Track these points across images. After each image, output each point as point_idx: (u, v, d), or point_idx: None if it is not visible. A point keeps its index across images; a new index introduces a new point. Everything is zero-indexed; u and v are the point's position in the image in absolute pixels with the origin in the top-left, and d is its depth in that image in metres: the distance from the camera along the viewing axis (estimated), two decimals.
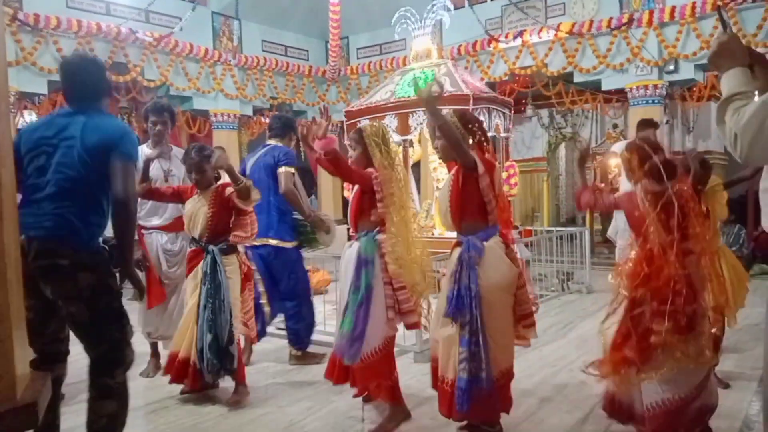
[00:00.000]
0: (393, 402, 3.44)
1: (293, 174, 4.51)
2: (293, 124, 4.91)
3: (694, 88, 10.05)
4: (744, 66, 1.88)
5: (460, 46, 10.56)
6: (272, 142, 4.76)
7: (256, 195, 3.80)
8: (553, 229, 8.60)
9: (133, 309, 3.75)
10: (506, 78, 10.40)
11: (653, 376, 2.76)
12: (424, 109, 3.01)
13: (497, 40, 10.19)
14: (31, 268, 2.54)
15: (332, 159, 3.20)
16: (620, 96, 10.49)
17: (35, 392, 2.59)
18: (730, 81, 1.86)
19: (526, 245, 6.88)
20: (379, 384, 3.36)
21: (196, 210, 3.83)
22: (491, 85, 9.69)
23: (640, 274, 2.79)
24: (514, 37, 10.05)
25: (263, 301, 4.62)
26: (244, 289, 3.97)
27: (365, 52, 12.32)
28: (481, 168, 3.02)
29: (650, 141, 3.03)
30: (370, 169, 3.32)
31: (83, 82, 2.78)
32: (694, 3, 8.53)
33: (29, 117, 9.40)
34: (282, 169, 4.49)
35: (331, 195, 12.50)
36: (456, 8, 8.56)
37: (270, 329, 4.99)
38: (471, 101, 6.82)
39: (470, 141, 3.12)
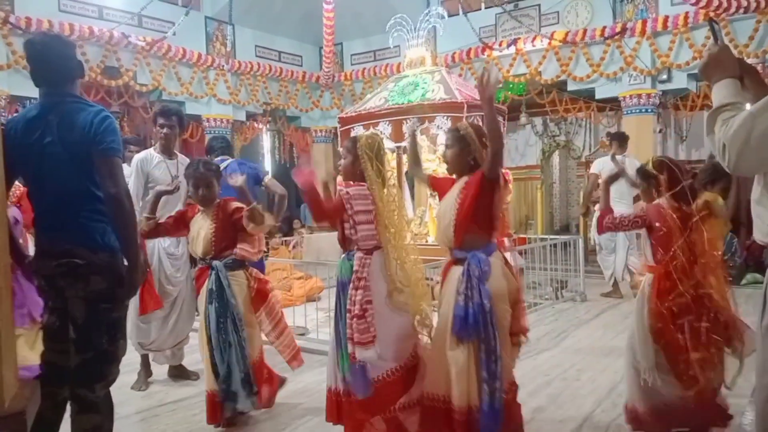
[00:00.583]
0: None
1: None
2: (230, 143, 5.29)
3: (687, 98, 10.10)
4: (734, 77, 1.91)
5: (454, 53, 10.59)
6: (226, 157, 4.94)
7: (270, 221, 3.54)
8: (547, 237, 8.60)
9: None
10: (500, 86, 10.42)
11: None
12: (480, 99, 2.84)
13: (491, 48, 10.22)
14: (51, 267, 2.54)
15: (307, 197, 3.05)
16: (614, 105, 10.53)
17: (24, 401, 2.55)
18: (720, 92, 1.89)
19: (520, 253, 6.86)
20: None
21: (198, 228, 3.57)
22: None
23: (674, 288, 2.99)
24: (508, 45, 10.08)
25: None
26: (258, 309, 3.64)
27: (359, 58, 12.33)
28: (502, 180, 2.96)
29: (677, 161, 3.21)
30: (347, 189, 3.14)
31: (50, 63, 2.59)
32: (686, 13, 8.59)
33: None
34: (267, 179, 4.71)
35: None
36: (450, 16, 8.58)
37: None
38: (465, 109, 6.82)
39: (484, 154, 3.01)
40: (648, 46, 9.05)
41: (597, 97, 10.02)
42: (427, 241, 7.24)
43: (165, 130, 4.33)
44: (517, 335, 3.08)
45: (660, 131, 10.71)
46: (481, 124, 7.01)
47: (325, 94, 12.60)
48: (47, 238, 2.60)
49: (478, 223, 2.97)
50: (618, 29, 9.18)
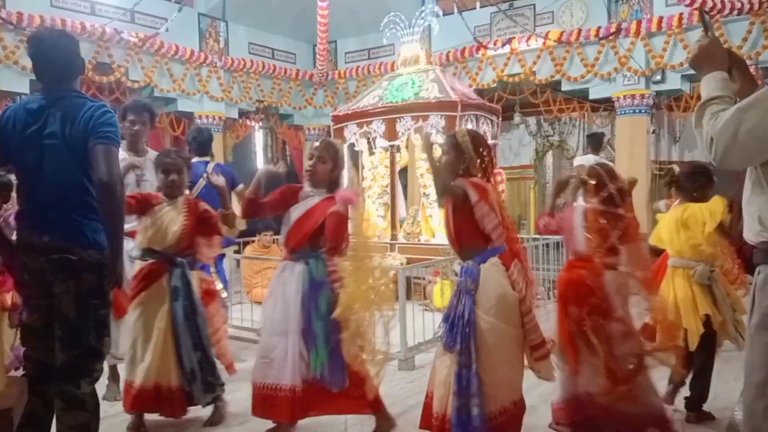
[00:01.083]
0: (376, 413, 3.38)
1: None
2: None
3: (681, 99, 10.11)
4: (723, 69, 1.92)
5: (448, 52, 10.55)
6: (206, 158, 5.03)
7: (241, 225, 3.65)
8: (539, 237, 8.59)
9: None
10: (494, 85, 10.42)
11: None
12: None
13: (486, 47, 10.20)
14: (41, 262, 2.51)
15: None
16: (607, 105, 10.53)
17: (10, 399, 2.52)
18: (708, 84, 1.90)
19: None
20: (360, 399, 3.23)
21: (167, 221, 3.51)
22: (479, 92, 9.70)
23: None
24: (503, 45, 10.06)
25: None
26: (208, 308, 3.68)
27: (353, 56, 12.28)
28: (474, 197, 2.87)
29: (608, 167, 3.50)
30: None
31: (59, 60, 2.60)
32: (681, 14, 8.58)
33: None
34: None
35: None
36: (445, 14, 8.57)
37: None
38: (459, 108, 6.80)
39: (477, 163, 2.96)
40: (642, 46, 9.05)
41: (591, 97, 10.00)
42: (419, 240, 7.23)
43: (136, 127, 4.09)
44: (537, 349, 2.96)
45: (653, 132, 10.71)
46: (476, 125, 7.05)
47: (318, 92, 12.54)
48: (37, 232, 2.57)
49: (467, 237, 2.96)
50: (613, 30, 9.18)
